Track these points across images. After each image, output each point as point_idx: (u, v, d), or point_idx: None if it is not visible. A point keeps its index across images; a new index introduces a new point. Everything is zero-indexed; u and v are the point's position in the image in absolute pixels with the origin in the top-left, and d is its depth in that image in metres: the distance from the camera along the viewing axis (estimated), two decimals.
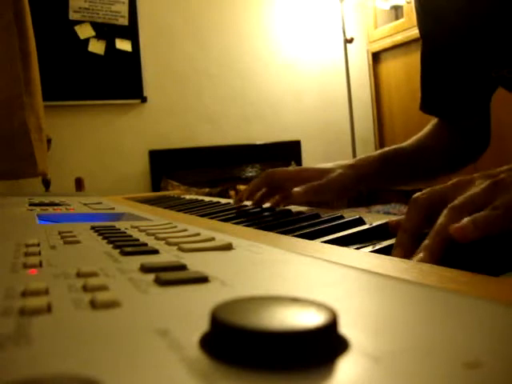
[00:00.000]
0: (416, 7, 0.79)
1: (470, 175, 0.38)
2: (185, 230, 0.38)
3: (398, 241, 0.36)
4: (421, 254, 0.32)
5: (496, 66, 0.70)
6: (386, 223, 0.45)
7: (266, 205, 0.69)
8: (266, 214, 0.63)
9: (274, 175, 0.69)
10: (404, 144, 0.79)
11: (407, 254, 0.34)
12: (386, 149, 0.77)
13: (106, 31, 2.92)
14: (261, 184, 0.69)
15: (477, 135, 0.80)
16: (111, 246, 0.32)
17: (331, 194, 0.66)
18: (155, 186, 3.00)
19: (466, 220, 0.31)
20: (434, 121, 0.82)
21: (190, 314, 0.17)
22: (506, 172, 0.36)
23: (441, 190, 0.38)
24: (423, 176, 0.82)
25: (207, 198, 0.91)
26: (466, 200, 0.35)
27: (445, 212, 0.34)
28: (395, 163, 0.75)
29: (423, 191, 0.38)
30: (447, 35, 0.74)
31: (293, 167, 0.73)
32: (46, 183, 2.50)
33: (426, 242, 0.33)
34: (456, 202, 0.35)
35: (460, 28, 0.71)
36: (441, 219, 0.34)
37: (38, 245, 0.32)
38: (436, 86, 0.79)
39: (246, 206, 0.70)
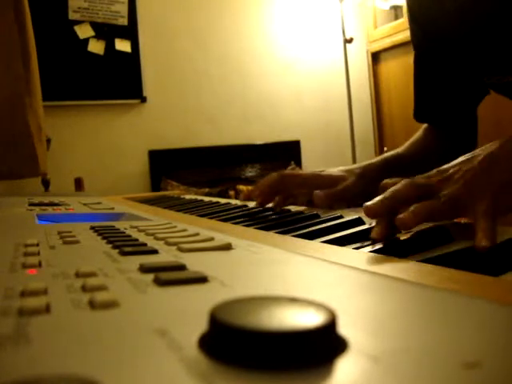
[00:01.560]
0: (408, 17, 0.81)
1: (426, 174, 0.43)
2: (184, 230, 0.38)
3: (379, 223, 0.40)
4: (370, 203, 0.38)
5: (487, 74, 0.71)
6: None
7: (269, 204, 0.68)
8: (266, 213, 0.63)
9: (286, 179, 0.67)
10: (401, 150, 0.80)
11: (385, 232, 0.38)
12: (388, 155, 0.77)
13: (106, 31, 2.92)
14: (273, 186, 0.68)
15: (464, 140, 0.82)
16: (110, 245, 0.32)
17: (346, 203, 0.66)
18: (155, 186, 3.00)
19: (406, 212, 0.36)
20: (424, 126, 0.84)
21: (188, 314, 0.17)
22: (456, 166, 0.41)
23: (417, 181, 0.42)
24: None
25: (207, 198, 0.90)
26: (419, 180, 0.41)
27: (398, 184, 0.40)
28: (396, 170, 0.75)
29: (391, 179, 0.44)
30: (438, 44, 0.76)
31: (305, 172, 0.71)
32: (46, 183, 2.50)
33: (378, 198, 0.39)
34: (409, 180, 0.41)
35: (451, 36, 0.73)
36: (395, 186, 0.40)
37: (38, 245, 0.32)
38: (429, 95, 0.81)
39: (246, 205, 0.70)
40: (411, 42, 0.83)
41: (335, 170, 0.70)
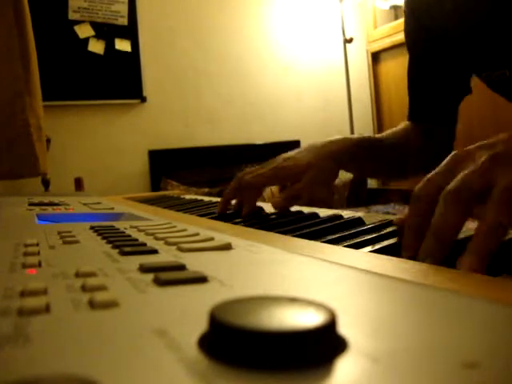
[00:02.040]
0: (406, 13, 0.81)
1: (467, 148, 0.35)
2: (184, 230, 0.38)
3: (404, 241, 0.35)
4: (427, 261, 0.30)
5: (485, 70, 0.71)
6: (386, 222, 0.45)
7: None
8: (266, 213, 0.63)
9: (245, 181, 0.64)
10: (380, 136, 0.79)
11: (414, 253, 0.33)
12: (364, 136, 0.75)
13: (106, 31, 2.92)
14: (233, 194, 0.65)
15: (446, 138, 0.81)
16: (110, 245, 0.32)
17: (312, 196, 0.64)
18: (155, 186, 3.00)
19: (468, 259, 0.29)
20: (403, 123, 0.83)
21: (188, 314, 0.17)
22: (506, 142, 0.34)
23: (436, 177, 0.36)
24: (396, 173, 0.82)
25: (207, 198, 0.90)
26: (461, 186, 0.32)
27: (439, 205, 0.32)
28: (372, 153, 0.74)
29: (420, 183, 0.36)
30: (436, 40, 0.76)
31: (265, 166, 0.68)
32: (46, 183, 2.50)
33: (426, 242, 0.32)
34: (450, 189, 0.32)
35: (450, 33, 0.73)
36: (436, 216, 0.32)
37: (37, 245, 0.32)
38: (425, 94, 0.81)
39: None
40: (405, 41, 0.82)
41: (302, 154, 0.67)
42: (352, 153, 0.69)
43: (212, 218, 0.59)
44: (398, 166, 0.80)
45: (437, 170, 0.36)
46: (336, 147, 0.68)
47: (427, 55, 0.79)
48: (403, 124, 0.83)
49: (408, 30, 0.81)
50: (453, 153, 0.36)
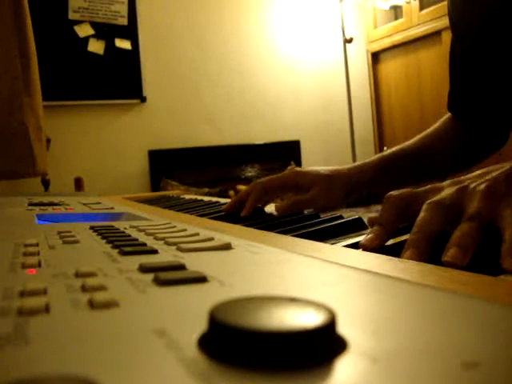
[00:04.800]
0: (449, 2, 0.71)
1: (439, 183, 0.41)
2: (184, 230, 0.38)
3: (374, 232, 0.38)
4: (408, 252, 0.34)
5: None
6: None
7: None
8: (266, 213, 0.63)
9: (257, 183, 0.66)
10: (408, 143, 0.76)
11: (381, 243, 0.37)
12: (386, 153, 0.74)
13: (106, 31, 2.92)
14: (256, 197, 0.65)
15: (492, 136, 0.76)
16: (110, 245, 0.32)
17: (317, 208, 0.65)
18: (154, 186, 3.00)
19: (452, 249, 0.32)
20: (444, 119, 0.78)
21: (188, 313, 0.17)
22: (472, 179, 0.39)
23: (413, 192, 0.41)
24: (427, 177, 0.77)
25: (206, 198, 0.90)
26: (441, 199, 0.37)
27: (424, 207, 0.37)
28: (396, 168, 0.73)
29: (397, 191, 0.41)
30: (492, 33, 0.64)
31: (282, 174, 0.70)
32: (46, 183, 2.50)
33: (411, 237, 0.35)
34: (433, 199, 0.37)
35: (498, 24, 0.62)
36: (421, 214, 0.36)
37: (37, 245, 0.32)
38: (466, 91, 0.73)
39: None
40: (452, 28, 0.72)
41: (322, 168, 0.68)
42: (370, 176, 0.70)
43: (215, 219, 0.59)
44: (426, 169, 0.76)
45: (414, 189, 0.41)
46: (355, 171, 0.70)
47: (478, 47, 0.68)
48: (440, 122, 0.77)
49: (458, 15, 0.70)
50: (428, 186, 0.41)
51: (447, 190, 0.39)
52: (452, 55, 0.74)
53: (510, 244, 0.31)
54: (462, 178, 0.41)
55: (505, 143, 0.76)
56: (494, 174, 0.38)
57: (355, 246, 0.38)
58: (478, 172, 0.40)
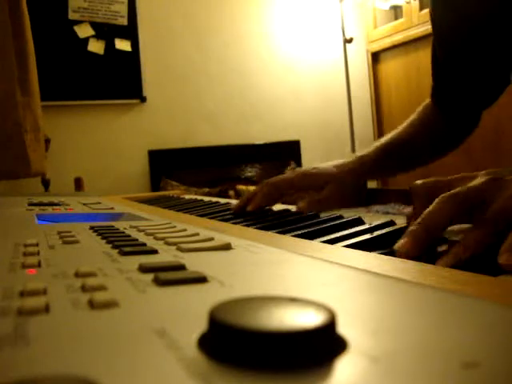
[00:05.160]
0: (431, 2, 0.75)
1: (475, 172, 0.39)
2: (184, 230, 0.38)
3: (412, 232, 0.35)
4: (402, 240, 0.33)
5: None
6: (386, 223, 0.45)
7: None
8: (265, 213, 0.63)
9: (267, 182, 0.66)
10: (400, 130, 0.78)
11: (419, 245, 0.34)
12: (384, 142, 0.75)
13: (106, 31, 2.92)
14: (266, 197, 0.65)
15: (465, 123, 0.79)
16: (110, 245, 0.32)
17: (334, 206, 0.65)
18: (154, 186, 3.00)
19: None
20: (423, 106, 0.80)
21: (188, 313, 0.17)
22: (506, 171, 0.36)
23: (445, 181, 0.39)
24: (411, 165, 0.81)
25: (206, 198, 0.90)
26: (461, 191, 0.35)
27: (437, 199, 0.35)
28: (395, 156, 0.75)
29: (426, 180, 0.39)
30: (464, 29, 0.70)
31: (291, 172, 0.70)
32: (46, 183, 2.50)
33: (411, 227, 0.34)
34: (450, 192, 0.35)
35: (478, 21, 0.67)
36: (431, 206, 0.35)
37: (37, 245, 0.32)
38: (448, 83, 0.77)
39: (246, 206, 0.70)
40: (432, 24, 0.76)
41: (327, 166, 0.69)
42: (373, 165, 0.71)
43: (215, 219, 0.59)
44: (416, 156, 0.78)
45: (446, 177, 0.39)
46: (359, 165, 0.70)
47: (454, 44, 0.73)
48: (421, 110, 0.80)
49: (437, 13, 0.74)
50: (462, 174, 0.39)
51: (480, 178, 0.37)
52: (433, 53, 0.78)
53: (510, 241, 0.31)
54: (500, 169, 0.38)
55: (475, 129, 0.80)
56: None
57: (355, 246, 0.38)
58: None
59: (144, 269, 0.23)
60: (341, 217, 0.52)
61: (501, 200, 0.33)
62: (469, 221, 0.35)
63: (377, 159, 0.73)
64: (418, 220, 0.34)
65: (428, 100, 0.80)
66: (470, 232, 0.33)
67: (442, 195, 0.35)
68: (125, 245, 0.31)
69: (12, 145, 1.78)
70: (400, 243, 0.33)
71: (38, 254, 0.29)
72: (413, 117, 0.80)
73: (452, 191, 0.35)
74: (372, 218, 0.50)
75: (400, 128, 0.79)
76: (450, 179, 0.39)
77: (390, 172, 0.77)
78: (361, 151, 0.76)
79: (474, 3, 0.67)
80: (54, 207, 0.68)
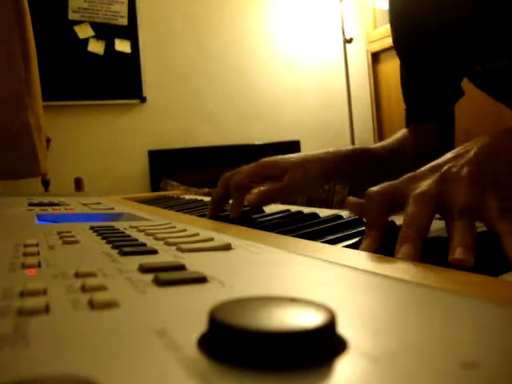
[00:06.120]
0: (390, 20, 0.81)
1: (420, 170, 0.40)
2: (184, 230, 0.38)
3: (368, 236, 0.37)
4: (404, 247, 0.33)
5: (469, 64, 0.71)
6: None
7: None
8: (266, 214, 0.63)
9: (232, 182, 0.63)
10: (373, 145, 0.79)
11: (375, 245, 0.36)
12: (358, 146, 0.76)
13: (106, 31, 2.92)
14: (221, 193, 0.64)
15: (443, 142, 0.82)
16: (110, 246, 0.32)
17: (291, 195, 0.64)
18: (154, 186, 3.00)
19: (458, 250, 0.31)
20: (401, 130, 0.84)
21: (188, 314, 0.17)
22: (451, 162, 0.38)
23: (393, 185, 0.40)
24: (392, 177, 0.82)
25: (207, 198, 0.90)
26: (425, 190, 0.36)
27: (411, 200, 0.36)
28: (366, 161, 0.74)
29: (377, 186, 0.40)
30: (420, 40, 0.76)
31: (252, 165, 0.66)
32: (46, 183, 2.49)
33: (404, 233, 0.34)
34: (418, 191, 0.36)
35: (431, 30, 0.73)
36: (410, 208, 0.35)
37: (37, 245, 0.32)
38: (420, 95, 0.81)
39: (246, 206, 0.70)
40: (394, 47, 0.83)
41: (292, 155, 0.66)
42: (341, 166, 0.69)
43: (211, 219, 0.59)
44: (393, 170, 0.79)
45: (395, 181, 0.40)
46: (328, 156, 0.68)
47: (418, 57, 0.79)
48: (400, 133, 0.84)
49: (395, 36, 0.82)
50: (408, 174, 0.40)
51: (428, 179, 0.38)
52: (401, 75, 0.84)
53: (509, 238, 0.31)
54: (439, 161, 0.40)
55: (453, 146, 0.82)
56: (471, 152, 0.38)
57: (355, 246, 0.38)
58: (455, 151, 0.40)
59: (144, 269, 0.23)
60: (341, 217, 0.52)
61: (460, 195, 0.35)
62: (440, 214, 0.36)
63: (351, 159, 0.71)
64: (407, 224, 0.35)
65: (401, 132, 0.84)
66: (457, 231, 0.33)
67: (413, 195, 0.36)
68: (125, 245, 0.31)
69: (20, 145, 1.78)
70: (404, 250, 0.33)
71: (38, 254, 0.29)
72: (394, 137, 0.83)
73: (419, 191, 0.36)
74: None
75: (382, 142, 0.82)
76: (401, 182, 0.40)
77: (366, 174, 0.75)
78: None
79: (429, 18, 0.73)
80: (54, 207, 0.68)
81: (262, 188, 0.62)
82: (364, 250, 0.36)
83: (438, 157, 0.41)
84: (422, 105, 0.82)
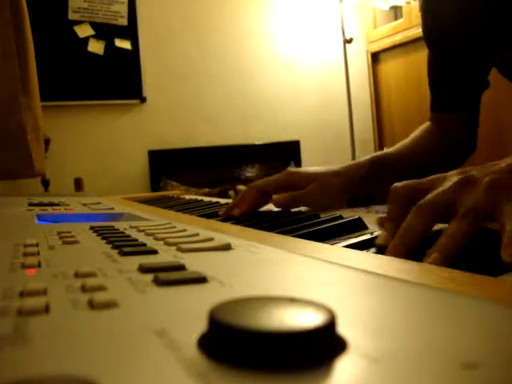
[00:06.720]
0: (420, 10, 0.82)
1: (448, 173, 0.40)
2: (184, 230, 0.38)
3: (387, 229, 0.38)
4: (388, 255, 0.33)
5: (501, 51, 0.72)
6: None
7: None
8: (265, 214, 0.63)
9: (253, 185, 0.65)
10: (391, 149, 0.80)
11: (391, 238, 0.36)
12: (376, 154, 0.77)
13: (106, 31, 2.92)
14: (252, 200, 0.64)
15: (464, 141, 0.83)
16: (110, 246, 0.32)
17: (313, 204, 0.65)
18: (154, 186, 3.00)
19: (433, 255, 0.32)
20: (422, 127, 0.84)
21: (188, 314, 0.17)
22: (479, 169, 0.38)
23: (417, 182, 0.40)
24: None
25: (206, 198, 0.90)
26: (432, 198, 0.37)
27: (413, 209, 0.37)
28: (384, 169, 0.75)
29: (401, 182, 0.41)
30: (453, 30, 0.77)
31: (277, 176, 0.69)
32: (46, 183, 2.50)
33: (393, 241, 0.35)
34: (422, 201, 0.37)
35: (465, 19, 0.74)
36: (408, 217, 0.36)
37: (37, 245, 0.32)
38: (447, 85, 0.82)
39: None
40: (424, 38, 0.84)
41: (317, 168, 0.69)
42: (362, 174, 0.70)
43: (222, 220, 0.59)
44: (410, 173, 0.79)
45: (420, 180, 0.41)
46: (347, 169, 0.70)
47: (451, 48, 0.80)
48: (418, 130, 0.84)
49: (427, 27, 0.83)
50: (433, 176, 0.41)
51: (448, 180, 0.38)
52: (429, 66, 0.85)
53: (510, 236, 0.31)
54: (469, 168, 0.39)
55: (475, 148, 0.84)
56: (502, 164, 0.37)
57: (355, 246, 0.38)
58: (488, 163, 0.39)
59: (144, 269, 0.23)
60: (340, 217, 0.52)
61: (471, 198, 0.35)
62: (445, 221, 0.36)
63: (372, 169, 0.72)
64: (399, 233, 0.35)
65: (427, 122, 0.85)
66: (445, 232, 0.34)
67: (418, 204, 0.36)
68: (125, 245, 0.31)
69: (15, 145, 1.78)
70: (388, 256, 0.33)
71: (38, 254, 0.29)
72: (412, 135, 0.84)
73: (426, 199, 0.37)
74: (372, 218, 0.50)
75: (399, 144, 0.82)
76: (426, 181, 0.40)
77: (384, 184, 0.76)
78: (363, 154, 0.77)
79: (459, 8, 0.74)
80: (54, 207, 0.68)
81: (289, 193, 0.65)
82: (380, 242, 0.37)
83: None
84: (450, 94, 0.83)
